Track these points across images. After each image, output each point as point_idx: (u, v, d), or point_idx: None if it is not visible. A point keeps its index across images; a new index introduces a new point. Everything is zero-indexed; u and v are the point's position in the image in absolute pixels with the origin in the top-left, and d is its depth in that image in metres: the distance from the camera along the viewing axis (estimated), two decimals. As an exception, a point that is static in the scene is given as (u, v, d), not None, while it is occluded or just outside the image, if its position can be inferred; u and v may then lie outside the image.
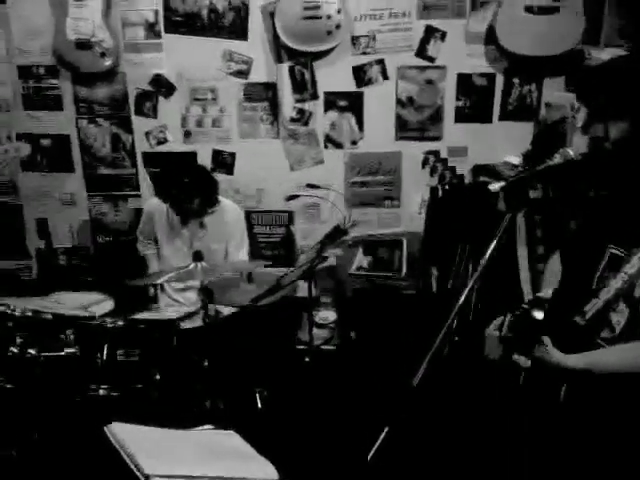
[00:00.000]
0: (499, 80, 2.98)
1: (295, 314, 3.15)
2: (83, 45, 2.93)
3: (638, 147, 1.18)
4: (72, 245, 3.42)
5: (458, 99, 3.03)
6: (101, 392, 1.96)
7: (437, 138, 3.11)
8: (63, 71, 3.10)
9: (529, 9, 2.73)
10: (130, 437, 1.40)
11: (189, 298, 2.79)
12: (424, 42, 2.94)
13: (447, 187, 3.11)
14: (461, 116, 3.06)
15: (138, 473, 1.27)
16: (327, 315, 3.28)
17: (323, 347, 3.08)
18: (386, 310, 3.07)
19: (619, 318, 1.19)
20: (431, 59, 2.97)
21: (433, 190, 3.15)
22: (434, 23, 2.92)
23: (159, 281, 2.32)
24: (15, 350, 1.95)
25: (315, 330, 3.07)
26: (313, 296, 3.02)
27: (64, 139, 3.23)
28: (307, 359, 2.80)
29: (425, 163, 3.16)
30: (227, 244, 2.81)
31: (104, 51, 2.96)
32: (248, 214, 3.22)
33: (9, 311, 2.06)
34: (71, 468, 1.55)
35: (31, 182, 3.32)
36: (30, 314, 2.08)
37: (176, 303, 2.81)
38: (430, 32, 2.93)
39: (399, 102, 3.06)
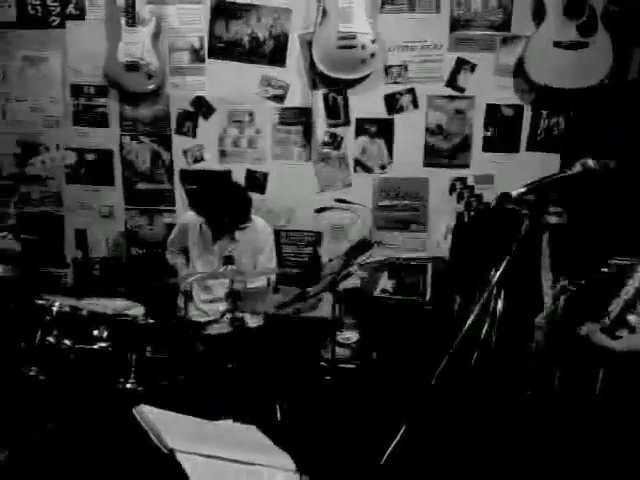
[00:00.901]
0: (527, 111, 3.06)
1: (318, 333, 3.20)
2: (132, 67, 3.13)
3: None
4: (107, 256, 3.56)
5: (486, 129, 3.12)
6: (128, 386, 2.02)
7: (464, 166, 3.18)
8: (112, 91, 3.31)
9: (558, 44, 2.83)
10: (156, 418, 1.47)
11: (215, 310, 2.87)
12: (454, 73, 3.06)
13: (473, 213, 3.16)
14: (489, 145, 3.14)
15: (162, 447, 1.33)
16: (350, 335, 3.31)
17: (344, 366, 3.10)
18: (408, 333, 3.10)
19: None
20: (461, 89, 3.08)
21: (459, 216, 3.21)
22: (464, 55, 3.03)
23: (190, 280, 2.41)
24: (52, 340, 2.04)
25: (337, 349, 3.11)
26: (336, 317, 3.08)
27: (107, 154, 3.41)
28: (328, 377, 2.84)
29: (452, 190, 3.22)
30: (256, 258, 2.90)
31: (151, 73, 3.15)
32: (277, 233, 3.32)
33: (49, 305, 2.17)
34: (97, 448, 1.61)
35: (74, 194, 3.49)
36: (67, 309, 2.19)
37: (203, 314, 2.89)
38: (460, 64, 3.04)
39: (428, 130, 3.16)
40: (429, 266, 3.31)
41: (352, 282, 3.34)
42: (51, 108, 3.39)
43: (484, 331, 2.45)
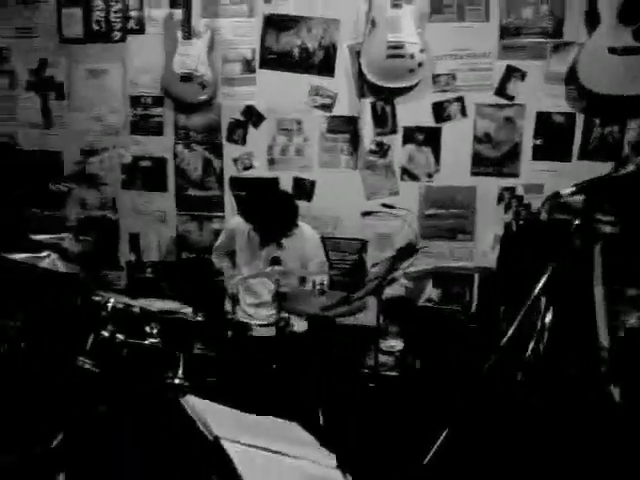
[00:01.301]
0: (579, 119, 3.00)
1: (362, 340, 3.20)
2: (186, 78, 3.27)
3: None
4: (159, 259, 3.69)
5: (536, 137, 3.07)
6: (176, 381, 2.09)
7: (513, 175, 3.14)
8: (167, 101, 3.45)
9: (612, 50, 2.77)
10: (203, 407, 1.51)
11: (262, 313, 2.92)
12: (504, 81, 3.04)
13: (522, 223, 3.10)
14: (539, 154, 3.09)
15: (208, 434, 1.37)
16: (393, 344, 3.30)
17: (387, 373, 3.09)
18: (452, 343, 3.06)
19: None
20: (510, 97, 3.05)
21: (507, 226, 3.16)
22: (514, 63, 3.01)
23: (237, 279, 2.48)
24: (106, 334, 2.14)
25: (381, 357, 3.11)
26: (381, 325, 3.08)
27: (161, 161, 3.56)
28: (371, 384, 2.83)
29: (500, 199, 3.18)
30: (303, 264, 2.94)
31: (204, 84, 3.28)
32: (323, 240, 3.35)
33: (104, 302, 2.28)
34: (147, 436, 1.67)
35: (128, 199, 3.65)
36: (121, 306, 2.28)
37: (250, 317, 2.95)
38: (510, 72, 3.02)
39: (476, 138, 3.15)
40: (475, 276, 3.27)
41: (397, 290, 3.35)
42: (111, 118, 3.57)
43: (530, 347, 2.40)
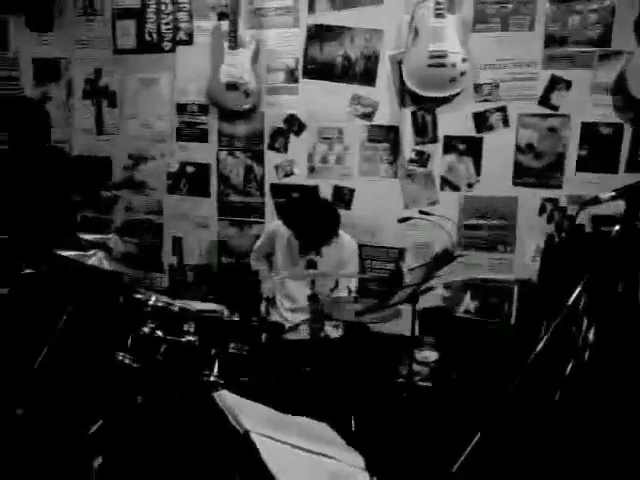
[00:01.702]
0: (627, 130, 2.92)
1: (397, 349, 3.18)
2: (232, 86, 3.36)
3: None
4: (200, 263, 3.79)
5: (581, 148, 3.00)
6: (211, 379, 2.14)
7: (557, 186, 3.08)
8: (212, 109, 3.56)
9: (663, 59, 2.69)
10: (235, 402, 1.55)
11: (297, 319, 2.94)
12: (548, 91, 2.99)
13: (564, 235, 3.04)
14: (584, 165, 3.02)
15: (239, 428, 1.40)
16: (429, 355, 3.26)
17: (422, 384, 3.06)
18: (490, 356, 3.00)
19: None
20: (554, 107, 3.00)
21: (549, 238, 3.09)
22: (559, 73, 2.97)
23: (275, 278, 2.52)
24: (146, 330, 2.21)
25: (416, 367, 3.08)
26: (416, 335, 3.05)
27: (205, 168, 3.66)
28: (405, 393, 2.81)
29: (542, 210, 3.12)
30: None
31: (248, 92, 3.36)
32: (361, 248, 3.37)
33: (145, 299, 2.36)
34: (180, 427, 1.72)
35: (173, 204, 3.77)
36: (161, 304, 2.36)
37: (285, 322, 2.98)
38: (555, 81, 2.97)
39: (518, 148, 3.10)
40: (515, 288, 3.21)
41: (434, 301, 3.32)
42: (159, 125, 3.71)
43: (570, 366, 2.34)
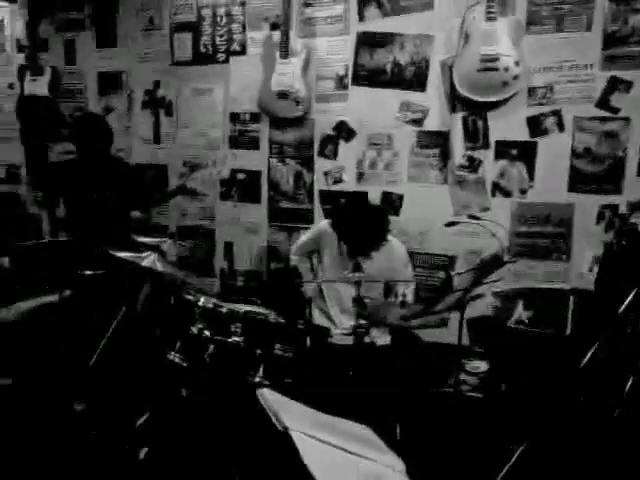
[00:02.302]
0: (694, 133, 2.77)
1: (445, 359, 3.12)
2: (283, 95, 3.42)
3: None
4: (250, 268, 3.85)
5: (644, 152, 2.87)
6: (257, 379, 2.17)
7: (616, 192, 2.95)
8: (263, 117, 3.64)
9: None
10: (276, 400, 1.57)
11: (342, 322, 2.93)
12: (607, 93, 2.88)
13: (624, 244, 2.89)
14: (646, 170, 2.88)
15: (279, 425, 1.41)
16: (479, 365, 3.17)
17: (471, 394, 2.98)
18: (543, 367, 2.89)
19: None
20: (614, 110, 2.89)
21: (608, 246, 2.96)
22: (619, 74, 2.85)
23: (317, 282, 2.53)
24: (195, 331, 2.27)
25: (465, 377, 3.01)
26: (466, 345, 2.97)
27: (256, 174, 3.74)
28: (452, 403, 2.74)
29: (600, 218, 3.00)
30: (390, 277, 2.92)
31: (299, 100, 3.42)
32: (410, 255, 3.32)
33: (195, 300, 2.42)
34: (222, 422, 1.75)
35: (225, 210, 3.86)
36: (210, 306, 2.42)
37: (331, 324, 2.97)
38: (614, 83, 2.86)
39: (574, 153, 3.00)
40: (571, 298, 3.08)
41: (484, 310, 3.24)
42: (212, 133, 3.82)
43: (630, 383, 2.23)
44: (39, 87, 4.16)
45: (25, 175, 4.46)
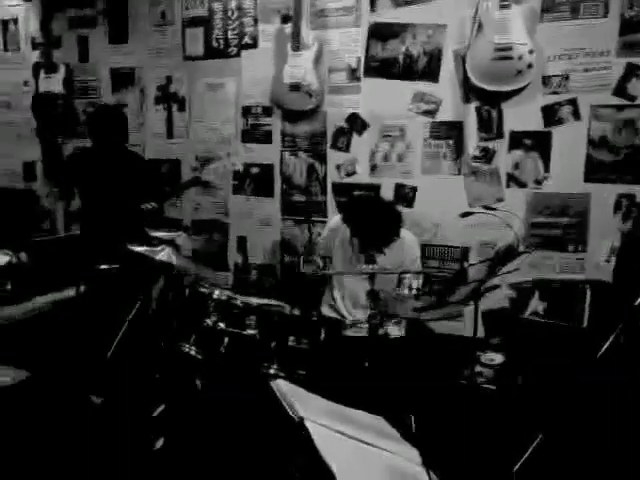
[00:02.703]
0: None
1: (460, 351, 3.10)
2: (295, 87, 3.41)
3: None
4: (263, 262, 3.86)
5: (662, 140, 2.82)
6: (271, 371, 2.18)
7: (633, 181, 2.90)
8: (276, 110, 3.63)
9: None
10: (291, 391, 1.57)
11: (357, 316, 2.92)
12: (624, 80, 2.83)
13: (642, 233, 2.85)
14: (664, 158, 2.83)
15: (294, 415, 1.42)
16: (494, 357, 3.14)
17: (486, 386, 2.96)
18: (560, 360, 2.86)
19: None
20: (632, 97, 2.84)
21: (626, 236, 2.92)
22: (637, 61, 2.80)
23: (334, 273, 2.53)
24: (209, 323, 2.29)
25: (480, 368, 2.99)
26: (481, 337, 2.95)
27: (269, 168, 3.74)
28: (467, 395, 2.73)
29: (618, 207, 2.95)
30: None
31: (311, 93, 3.40)
32: (423, 247, 3.32)
33: (209, 293, 2.44)
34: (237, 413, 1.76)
35: (238, 204, 3.87)
36: (225, 298, 2.43)
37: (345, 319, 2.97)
38: (632, 70, 2.81)
39: (591, 142, 2.95)
40: (587, 289, 3.05)
41: (500, 302, 3.21)
42: (225, 127, 3.83)
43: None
44: (53, 84, 4.20)
45: (41, 170, 4.52)
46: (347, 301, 2.97)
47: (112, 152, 3.35)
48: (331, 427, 1.42)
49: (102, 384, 2.50)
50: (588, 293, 3.06)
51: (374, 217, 2.74)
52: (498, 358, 3.15)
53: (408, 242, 2.96)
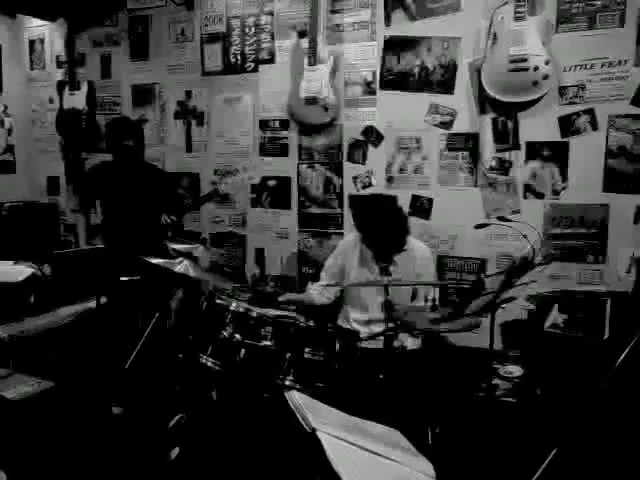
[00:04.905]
0: None
1: (477, 363, 3.07)
2: (311, 101, 3.46)
3: None
4: (281, 274, 3.89)
5: (682, 149, 2.79)
6: (287, 383, 2.19)
7: (654, 191, 2.87)
8: (292, 124, 3.68)
9: None
10: (305, 402, 1.58)
11: (371, 331, 2.91)
12: (641, 90, 2.81)
13: (663, 244, 2.81)
14: (685, 168, 2.79)
15: (306, 426, 1.43)
16: (513, 369, 3.11)
17: (504, 399, 2.93)
18: (580, 373, 2.82)
19: None
20: (650, 107, 2.81)
21: (647, 247, 2.88)
22: (655, 70, 2.78)
23: (348, 285, 2.54)
24: (226, 334, 2.31)
25: (498, 381, 2.96)
26: (499, 350, 2.91)
27: (286, 181, 3.78)
28: (486, 408, 2.70)
29: (638, 218, 2.91)
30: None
31: (327, 106, 3.44)
32: (440, 259, 3.32)
33: (226, 305, 2.46)
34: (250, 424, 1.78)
35: (256, 216, 3.91)
36: (241, 310, 2.45)
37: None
38: (650, 79, 2.79)
39: (609, 152, 2.93)
40: (608, 301, 3.00)
41: (517, 314, 3.19)
42: (242, 141, 3.89)
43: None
44: (77, 101, 4.32)
45: (64, 185, 4.63)
46: (359, 314, 2.93)
47: (132, 165, 3.42)
48: (344, 438, 1.43)
49: (122, 394, 2.54)
50: (608, 304, 3.02)
51: (378, 220, 2.73)
52: (517, 371, 3.12)
53: (418, 250, 2.91)
